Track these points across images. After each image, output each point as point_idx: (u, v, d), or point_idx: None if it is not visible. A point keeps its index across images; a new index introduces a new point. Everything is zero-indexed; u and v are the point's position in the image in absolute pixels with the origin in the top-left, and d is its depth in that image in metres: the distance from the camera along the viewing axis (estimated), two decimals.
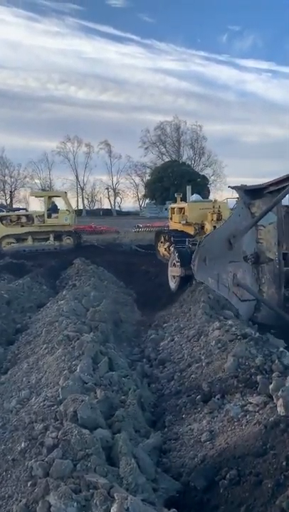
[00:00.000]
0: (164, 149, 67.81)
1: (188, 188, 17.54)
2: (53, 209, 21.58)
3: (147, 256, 17.18)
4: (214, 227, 11.77)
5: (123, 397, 4.01)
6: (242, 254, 7.55)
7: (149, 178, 61.53)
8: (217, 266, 7.29)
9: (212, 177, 63.64)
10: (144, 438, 3.63)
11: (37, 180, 65.74)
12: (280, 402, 3.39)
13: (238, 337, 5.25)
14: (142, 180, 66.99)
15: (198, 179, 52.98)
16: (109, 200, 68.98)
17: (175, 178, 51.33)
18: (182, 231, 13.56)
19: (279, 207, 7.54)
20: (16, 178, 64.32)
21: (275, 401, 3.56)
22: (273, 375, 4.10)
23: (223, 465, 3.10)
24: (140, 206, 67.07)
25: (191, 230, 13.28)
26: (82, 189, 68.00)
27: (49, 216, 21.15)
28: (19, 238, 20.70)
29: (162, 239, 15.21)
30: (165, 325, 7.30)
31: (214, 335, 5.58)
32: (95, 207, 69.14)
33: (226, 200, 13.89)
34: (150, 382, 5.14)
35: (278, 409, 3.40)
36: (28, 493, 2.63)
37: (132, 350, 6.58)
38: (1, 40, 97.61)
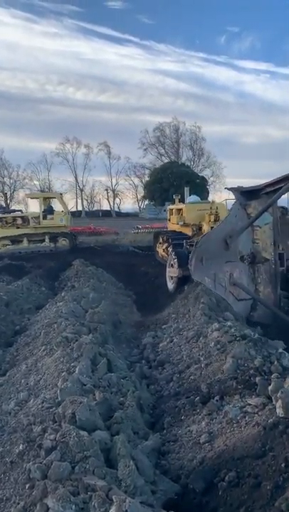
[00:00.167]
0: (163, 150, 67.95)
1: (187, 190, 17.57)
2: (48, 210, 21.52)
3: (146, 257, 17.19)
4: (212, 228, 11.79)
5: (122, 398, 4.00)
6: (238, 254, 7.68)
7: (148, 179, 61.50)
8: (214, 266, 7.39)
9: (211, 178, 63.77)
10: (142, 440, 3.62)
11: (36, 182, 65.76)
12: (279, 403, 3.38)
13: (237, 338, 5.25)
14: (141, 181, 67.05)
15: (198, 180, 52.97)
16: (109, 202, 69.09)
17: (174, 179, 51.30)
18: (180, 232, 13.60)
19: (274, 208, 7.69)
20: (15, 180, 64.38)
21: (274, 402, 3.55)
22: (272, 376, 4.10)
23: (221, 467, 3.10)
24: (139, 207, 67.08)
25: (188, 231, 13.31)
26: (81, 190, 68.03)
27: (44, 217, 21.11)
28: (15, 240, 20.64)
29: (161, 240, 15.24)
30: (164, 326, 7.30)
31: (213, 336, 5.58)
32: (94, 208, 69.21)
33: (224, 201, 13.91)
34: (149, 383, 5.13)
35: (277, 410, 3.39)
36: (26, 495, 2.62)
37: (130, 352, 6.57)
38: None
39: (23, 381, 4.82)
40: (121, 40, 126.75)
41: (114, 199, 68.73)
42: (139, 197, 68.29)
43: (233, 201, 8.33)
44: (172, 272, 9.83)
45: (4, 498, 2.78)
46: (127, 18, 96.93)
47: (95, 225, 31.75)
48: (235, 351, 4.79)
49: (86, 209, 66.45)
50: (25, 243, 20.54)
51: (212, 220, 12.67)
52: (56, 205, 22.32)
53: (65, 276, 13.66)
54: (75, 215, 53.75)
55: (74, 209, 63.22)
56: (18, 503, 2.59)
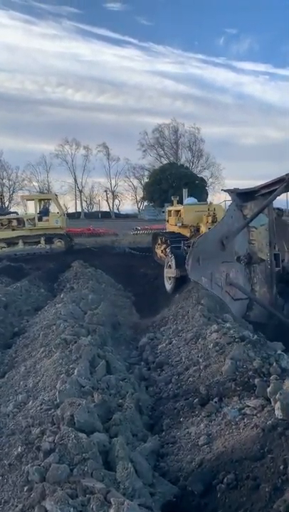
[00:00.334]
0: (162, 152, 68.05)
1: (185, 191, 17.59)
2: (44, 212, 21.48)
3: (145, 258, 17.18)
4: (209, 229, 11.83)
5: (120, 400, 4.00)
6: (235, 254, 7.80)
7: (147, 180, 61.60)
8: (210, 266, 7.50)
9: (210, 179, 63.89)
10: (141, 442, 3.62)
11: (35, 183, 65.78)
12: (278, 405, 3.38)
13: (236, 340, 5.25)
14: (141, 182, 67.19)
15: (197, 181, 53.04)
16: (108, 203, 69.13)
17: (173, 181, 51.37)
18: (178, 233, 13.62)
19: (270, 209, 7.80)
20: (14, 181, 64.36)
21: (272, 404, 3.55)
22: (271, 378, 4.10)
23: (220, 469, 3.09)
24: (139, 209, 67.08)
25: (187, 232, 13.35)
26: (80, 192, 68.00)
27: (40, 219, 21.05)
28: (10, 242, 20.56)
29: (159, 241, 15.27)
30: (163, 328, 7.30)
31: (212, 338, 5.58)
32: (94, 209, 69.27)
33: (223, 203, 13.93)
34: (148, 385, 5.13)
35: (276, 412, 3.39)
36: (24, 498, 2.62)
37: (129, 354, 6.57)
38: None
39: (21, 383, 4.81)
40: (120, 42, 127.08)
41: (113, 200, 68.85)
42: (138, 198, 68.49)
43: None
44: (170, 273, 9.89)
45: (3, 501, 2.78)
46: (126, 20, 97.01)
47: (94, 226, 31.73)
48: (234, 353, 4.79)
49: (85, 210, 66.50)
50: (20, 245, 20.48)
51: (210, 221, 12.70)
52: (53, 207, 22.31)
53: (64, 277, 13.64)
54: (75, 216, 53.88)
55: (73, 210, 63.43)
56: (17, 506, 2.58)
